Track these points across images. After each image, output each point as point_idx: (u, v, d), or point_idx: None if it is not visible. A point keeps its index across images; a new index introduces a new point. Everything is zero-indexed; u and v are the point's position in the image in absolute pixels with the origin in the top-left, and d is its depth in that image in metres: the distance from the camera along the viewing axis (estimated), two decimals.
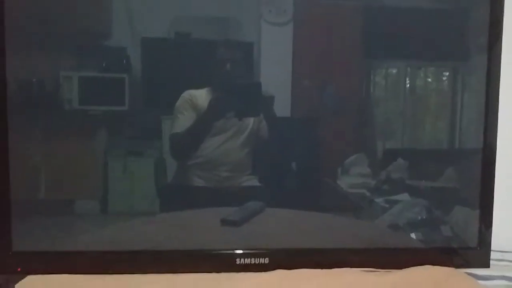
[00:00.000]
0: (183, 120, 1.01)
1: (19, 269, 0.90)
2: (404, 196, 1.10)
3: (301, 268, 0.95)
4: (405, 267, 0.98)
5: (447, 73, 1.14)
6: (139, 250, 0.94)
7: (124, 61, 1.00)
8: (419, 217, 1.08)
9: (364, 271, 0.97)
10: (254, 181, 1.06)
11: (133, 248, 0.95)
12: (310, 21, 1.04)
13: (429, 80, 1.18)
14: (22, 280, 0.89)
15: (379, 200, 1.10)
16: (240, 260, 0.95)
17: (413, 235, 1.07)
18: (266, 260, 0.95)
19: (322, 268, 0.95)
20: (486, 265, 1.03)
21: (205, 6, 1.00)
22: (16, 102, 0.91)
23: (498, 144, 1.02)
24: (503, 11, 1.00)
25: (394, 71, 1.15)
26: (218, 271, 0.94)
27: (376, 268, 0.98)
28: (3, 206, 0.89)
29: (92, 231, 0.99)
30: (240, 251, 0.96)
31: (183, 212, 1.02)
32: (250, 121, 1.04)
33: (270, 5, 1.02)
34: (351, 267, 0.97)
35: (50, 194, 0.98)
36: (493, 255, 1.04)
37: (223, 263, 0.95)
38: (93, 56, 1.00)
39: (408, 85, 1.14)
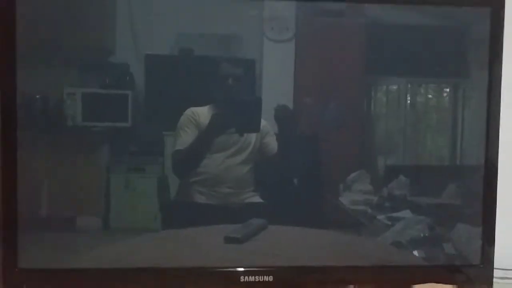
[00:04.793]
0: (186, 137, 1.01)
1: (24, 286, 0.91)
2: (406, 213, 1.09)
3: (305, 285, 0.95)
4: (408, 285, 0.98)
5: (448, 90, 1.15)
6: (142, 268, 0.94)
7: (128, 77, 1.01)
8: (422, 235, 1.08)
9: None
10: (256, 198, 1.06)
11: (136, 265, 0.94)
12: (311, 39, 1.05)
13: (430, 96, 1.18)
14: None
15: (381, 217, 1.10)
16: (244, 278, 0.95)
17: (416, 253, 1.07)
18: (270, 278, 0.95)
19: (325, 286, 0.95)
20: (490, 283, 1.03)
21: (208, 23, 1.00)
22: (20, 119, 0.91)
23: (500, 160, 1.03)
24: (503, 27, 1.01)
25: (395, 87, 1.16)
26: None
27: (380, 285, 0.98)
28: (10, 223, 0.89)
29: (95, 248, 0.99)
30: (244, 269, 0.95)
31: (186, 229, 1.02)
32: (253, 137, 1.04)
33: (272, 23, 1.03)
34: (354, 285, 0.97)
35: (54, 211, 0.98)
36: (496, 273, 1.04)
37: (227, 280, 0.95)
38: (97, 72, 1.01)
39: (409, 102, 1.15)
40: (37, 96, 0.96)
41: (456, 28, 1.08)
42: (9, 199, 0.89)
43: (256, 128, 1.02)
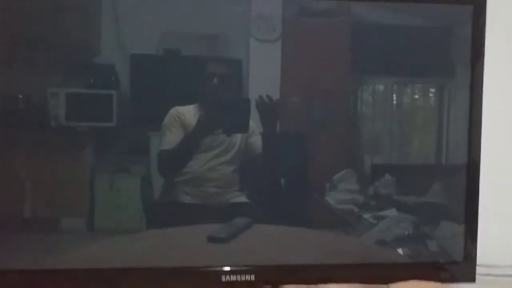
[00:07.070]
0: (171, 137, 1.01)
1: None
2: (392, 212, 1.10)
3: (288, 284, 0.95)
4: (392, 282, 0.98)
5: (433, 90, 1.16)
6: (125, 268, 0.94)
7: (113, 77, 1.00)
8: (406, 233, 1.08)
9: (351, 286, 0.97)
10: (242, 198, 1.06)
11: (120, 265, 0.94)
12: (298, 38, 1.05)
13: (416, 96, 1.19)
14: None
15: (367, 216, 1.10)
16: (226, 277, 0.94)
17: (400, 250, 1.07)
18: (252, 277, 0.95)
19: (309, 284, 0.95)
20: (472, 279, 1.03)
21: (194, 22, 1.00)
22: (2, 118, 0.90)
23: (482, 158, 1.03)
24: (484, 28, 1.02)
25: (381, 87, 1.16)
26: None
27: (364, 283, 0.98)
28: None
29: (78, 249, 0.98)
30: (226, 268, 0.95)
31: (170, 229, 1.01)
32: (238, 137, 1.04)
33: (259, 22, 1.03)
34: (338, 283, 0.97)
35: (35, 211, 0.98)
36: (479, 270, 1.05)
37: (209, 280, 0.95)
38: (81, 72, 1.00)
39: (395, 102, 1.15)
40: (20, 96, 0.96)
41: (440, 27, 1.08)
42: None
43: (244, 129, 1.02)
